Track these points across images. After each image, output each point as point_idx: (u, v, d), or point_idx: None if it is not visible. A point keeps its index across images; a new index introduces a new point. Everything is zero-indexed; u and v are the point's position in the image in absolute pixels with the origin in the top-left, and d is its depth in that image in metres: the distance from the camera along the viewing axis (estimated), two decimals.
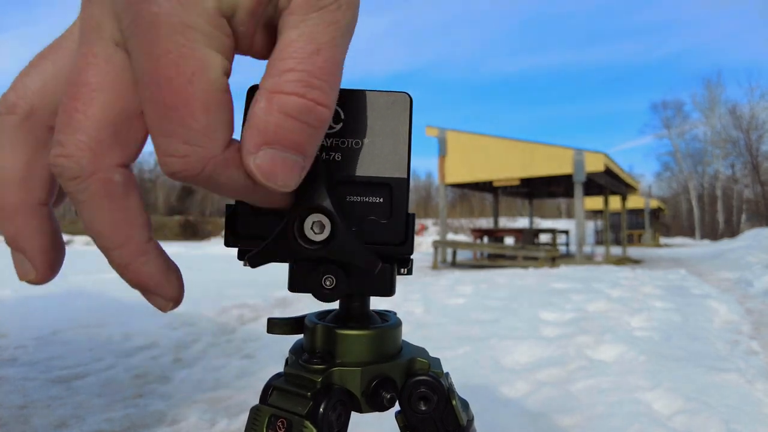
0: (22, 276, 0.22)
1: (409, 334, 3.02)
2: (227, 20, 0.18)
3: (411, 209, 0.25)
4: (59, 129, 0.19)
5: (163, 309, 0.22)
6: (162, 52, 0.17)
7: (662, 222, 35.62)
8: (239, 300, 4.37)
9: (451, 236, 18.47)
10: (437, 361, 0.32)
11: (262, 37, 0.20)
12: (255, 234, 0.24)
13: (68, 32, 0.22)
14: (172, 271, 0.22)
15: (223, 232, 0.26)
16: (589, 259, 11.04)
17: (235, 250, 0.25)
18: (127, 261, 0.20)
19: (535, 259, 9.30)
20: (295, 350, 0.30)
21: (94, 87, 0.19)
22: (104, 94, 0.19)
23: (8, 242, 0.22)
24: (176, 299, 0.22)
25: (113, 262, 0.20)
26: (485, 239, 12.39)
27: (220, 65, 0.18)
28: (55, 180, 0.22)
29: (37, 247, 0.22)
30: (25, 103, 0.21)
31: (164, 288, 0.22)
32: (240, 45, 0.19)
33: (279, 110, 0.18)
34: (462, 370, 2.33)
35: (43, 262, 0.22)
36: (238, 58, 0.20)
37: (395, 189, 0.24)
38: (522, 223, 31.92)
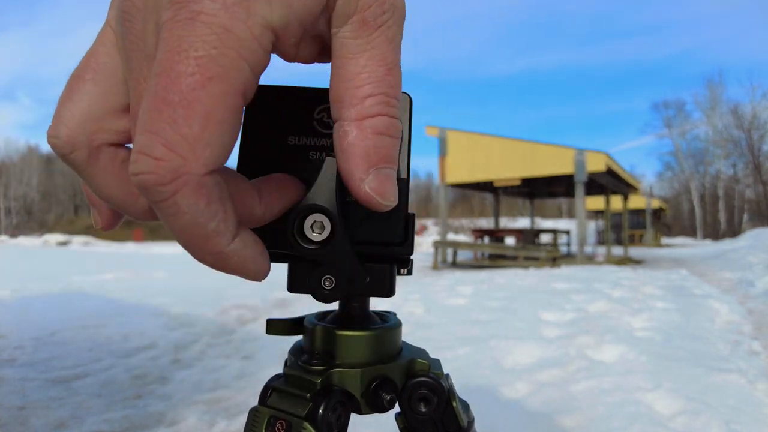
0: (95, 224, 0.23)
1: (409, 334, 3.02)
2: (274, 32, 0.17)
3: (411, 209, 0.25)
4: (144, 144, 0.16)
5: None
6: (187, 47, 0.15)
7: (663, 222, 35.62)
8: (238, 300, 4.37)
9: (451, 236, 18.47)
10: (437, 362, 0.31)
11: (306, 46, 0.19)
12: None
13: (97, 44, 0.20)
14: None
15: None
16: (590, 259, 11.03)
17: None
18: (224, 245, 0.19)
19: (535, 259, 9.30)
20: (295, 351, 0.30)
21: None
22: None
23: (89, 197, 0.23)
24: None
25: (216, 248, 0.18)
26: (486, 239, 12.38)
27: (244, 81, 0.16)
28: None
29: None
30: (82, 136, 0.20)
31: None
32: (285, 53, 0.19)
33: (373, 132, 0.19)
34: (462, 371, 2.33)
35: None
36: None
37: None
38: (523, 223, 31.92)
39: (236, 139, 0.17)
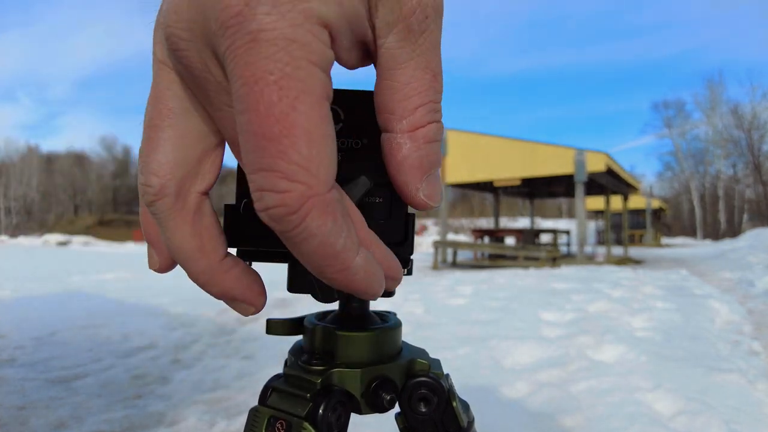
0: (150, 264, 0.23)
1: (409, 334, 3.02)
2: (328, 29, 0.16)
3: (411, 209, 0.25)
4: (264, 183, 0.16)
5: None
6: (262, 74, 0.15)
7: (663, 222, 35.62)
8: None
9: (451, 236, 18.47)
10: (437, 362, 0.31)
11: (354, 52, 0.19)
12: (254, 234, 0.24)
13: (162, 87, 0.20)
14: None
15: None
16: (590, 259, 11.03)
17: (233, 251, 0.25)
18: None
19: (535, 259, 9.29)
20: (295, 351, 0.30)
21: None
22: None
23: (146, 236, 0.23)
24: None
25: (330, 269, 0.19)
26: (486, 239, 12.38)
27: (323, 86, 0.16)
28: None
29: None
30: (172, 183, 0.20)
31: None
32: (338, 56, 0.18)
33: (425, 141, 0.19)
34: (462, 371, 2.33)
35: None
36: None
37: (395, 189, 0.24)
38: (523, 223, 31.93)
39: (335, 145, 0.17)
